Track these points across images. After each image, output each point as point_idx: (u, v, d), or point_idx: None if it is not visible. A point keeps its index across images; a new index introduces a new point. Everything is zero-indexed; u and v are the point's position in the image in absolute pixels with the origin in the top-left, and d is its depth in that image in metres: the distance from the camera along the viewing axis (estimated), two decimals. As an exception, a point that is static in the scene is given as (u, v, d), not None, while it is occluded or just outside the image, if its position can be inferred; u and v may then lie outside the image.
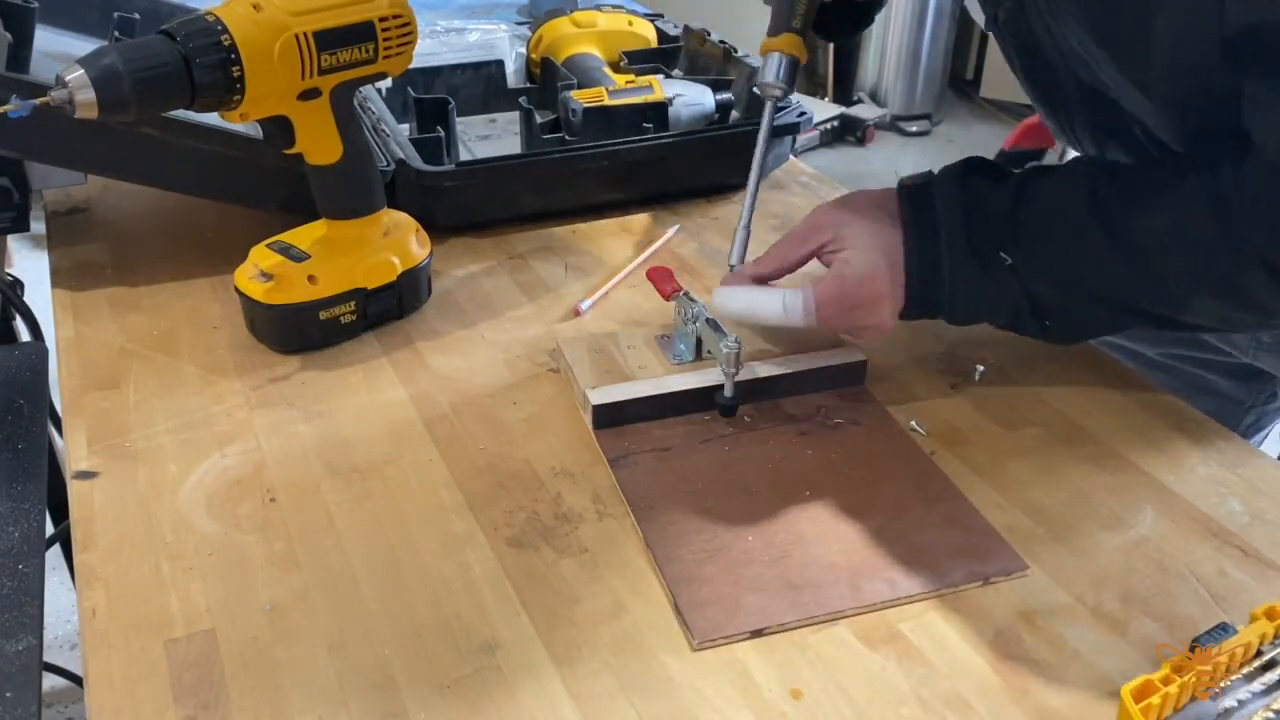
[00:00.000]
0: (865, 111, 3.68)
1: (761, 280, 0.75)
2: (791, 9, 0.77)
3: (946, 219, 0.71)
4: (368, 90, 1.06)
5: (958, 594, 0.61)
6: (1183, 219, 0.64)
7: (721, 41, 1.18)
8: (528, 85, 1.20)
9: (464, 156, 1.06)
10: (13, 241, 1.41)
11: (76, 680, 1.30)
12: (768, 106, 0.77)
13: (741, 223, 0.77)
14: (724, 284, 0.75)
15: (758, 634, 0.58)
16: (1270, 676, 0.53)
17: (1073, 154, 0.83)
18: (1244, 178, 0.61)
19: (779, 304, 0.72)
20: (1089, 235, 0.67)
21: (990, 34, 0.81)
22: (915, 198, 0.72)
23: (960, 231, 0.70)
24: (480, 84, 1.18)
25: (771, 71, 0.76)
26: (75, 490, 0.67)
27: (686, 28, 1.23)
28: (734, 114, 1.09)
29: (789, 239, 0.75)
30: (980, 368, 0.79)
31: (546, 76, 1.16)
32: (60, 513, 1.03)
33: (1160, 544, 0.64)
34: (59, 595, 1.64)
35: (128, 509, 0.65)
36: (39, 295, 0.96)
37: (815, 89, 3.77)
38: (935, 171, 0.73)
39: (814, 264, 0.75)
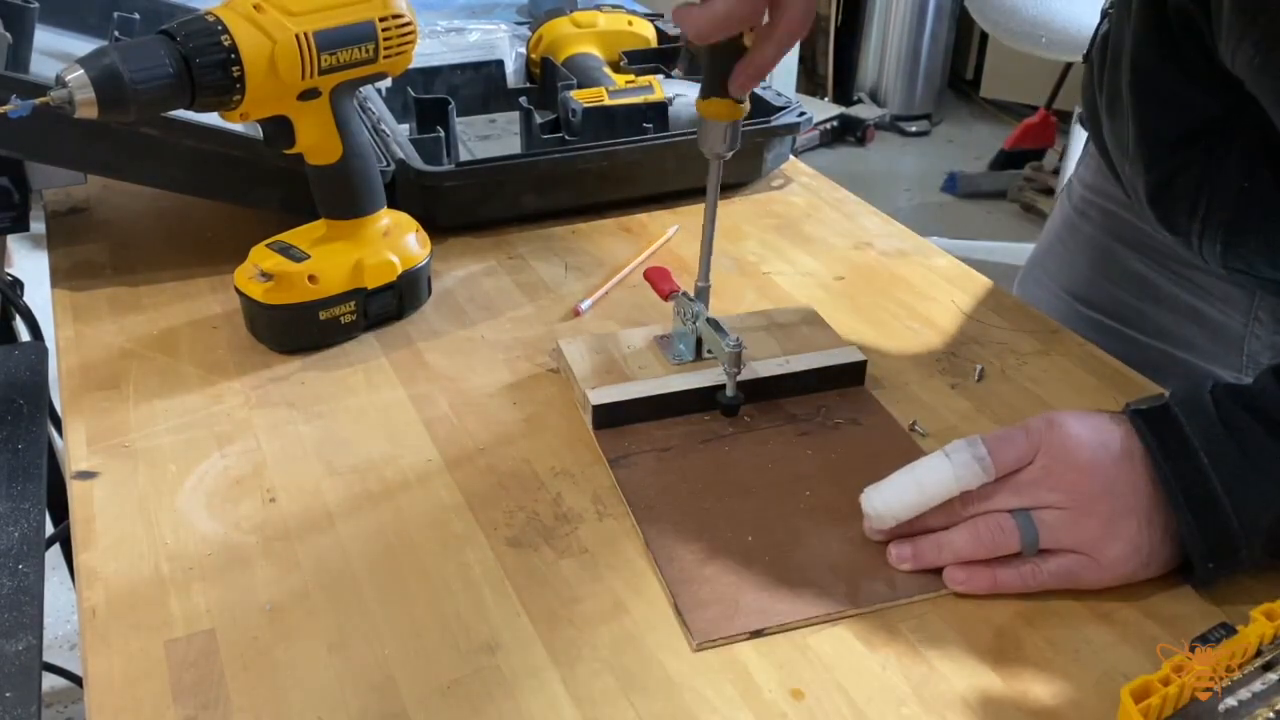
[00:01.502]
0: (865, 111, 3.68)
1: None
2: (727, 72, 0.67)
3: (1201, 428, 0.58)
4: (368, 90, 1.06)
5: (957, 594, 0.61)
6: None
7: (721, 41, 1.17)
8: (528, 85, 1.20)
9: (464, 156, 1.06)
10: (13, 241, 1.42)
11: (76, 680, 1.30)
12: (714, 167, 0.71)
13: (702, 279, 0.73)
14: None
15: (758, 634, 0.58)
16: (1270, 676, 0.53)
17: (1073, 153, 0.81)
18: None
19: (942, 465, 0.61)
20: None
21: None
22: (1164, 437, 0.59)
23: (1225, 440, 0.57)
24: (480, 84, 1.18)
25: (719, 140, 0.69)
26: (75, 490, 0.67)
27: (686, 28, 1.23)
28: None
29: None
30: (979, 366, 0.79)
31: (546, 76, 1.16)
32: (60, 513, 1.03)
33: (1160, 544, 0.64)
34: (59, 595, 1.64)
35: (128, 509, 0.65)
36: (39, 295, 0.96)
37: (815, 89, 3.77)
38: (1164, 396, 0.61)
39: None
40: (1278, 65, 0.59)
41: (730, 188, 1.06)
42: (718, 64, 0.67)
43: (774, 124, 1.03)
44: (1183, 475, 0.58)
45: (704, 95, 0.69)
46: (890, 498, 0.62)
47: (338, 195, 0.80)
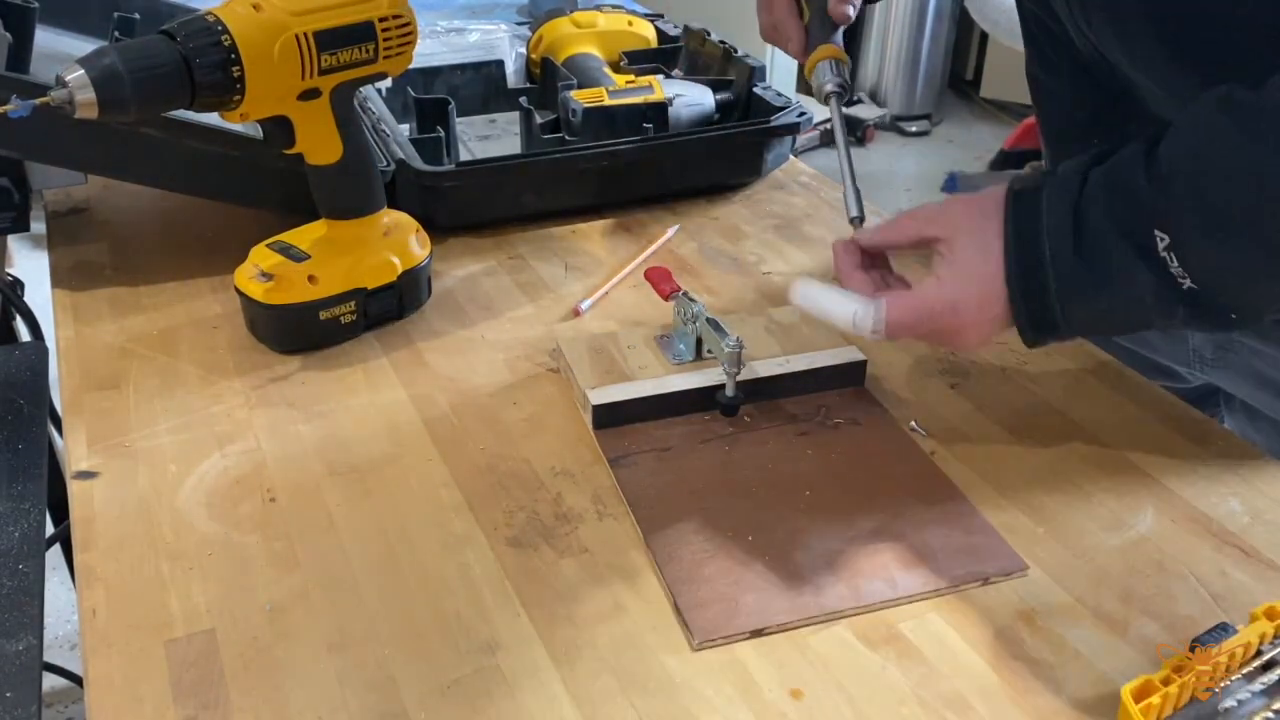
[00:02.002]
0: (865, 111, 3.68)
1: (870, 251, 0.70)
2: (821, 25, 0.80)
3: (1052, 224, 0.62)
4: (368, 90, 1.06)
5: (958, 594, 0.61)
6: None
7: (721, 41, 1.18)
8: (528, 85, 1.20)
9: (464, 156, 1.06)
10: (13, 241, 1.41)
11: (76, 680, 1.30)
12: (833, 103, 0.79)
13: (847, 181, 0.76)
14: (831, 274, 0.70)
15: (758, 634, 0.58)
16: (1270, 676, 0.53)
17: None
18: None
19: (849, 315, 0.67)
20: (1246, 155, 0.56)
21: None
22: (1023, 207, 0.64)
23: (1068, 239, 0.61)
24: (480, 84, 1.18)
25: (827, 74, 0.79)
26: (75, 490, 0.67)
27: (686, 28, 1.23)
28: (734, 114, 1.09)
29: (910, 220, 0.69)
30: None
31: (546, 76, 1.16)
32: (60, 513, 1.03)
33: (1160, 544, 0.64)
34: (59, 595, 1.64)
35: (128, 509, 0.65)
36: (39, 295, 0.96)
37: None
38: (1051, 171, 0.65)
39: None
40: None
41: (730, 188, 1.06)
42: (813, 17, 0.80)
43: (774, 124, 1.03)
44: (1024, 263, 0.63)
45: (812, 47, 0.80)
46: (806, 297, 0.68)
47: (338, 195, 0.80)
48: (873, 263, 0.71)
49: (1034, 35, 0.80)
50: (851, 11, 0.80)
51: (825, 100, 0.80)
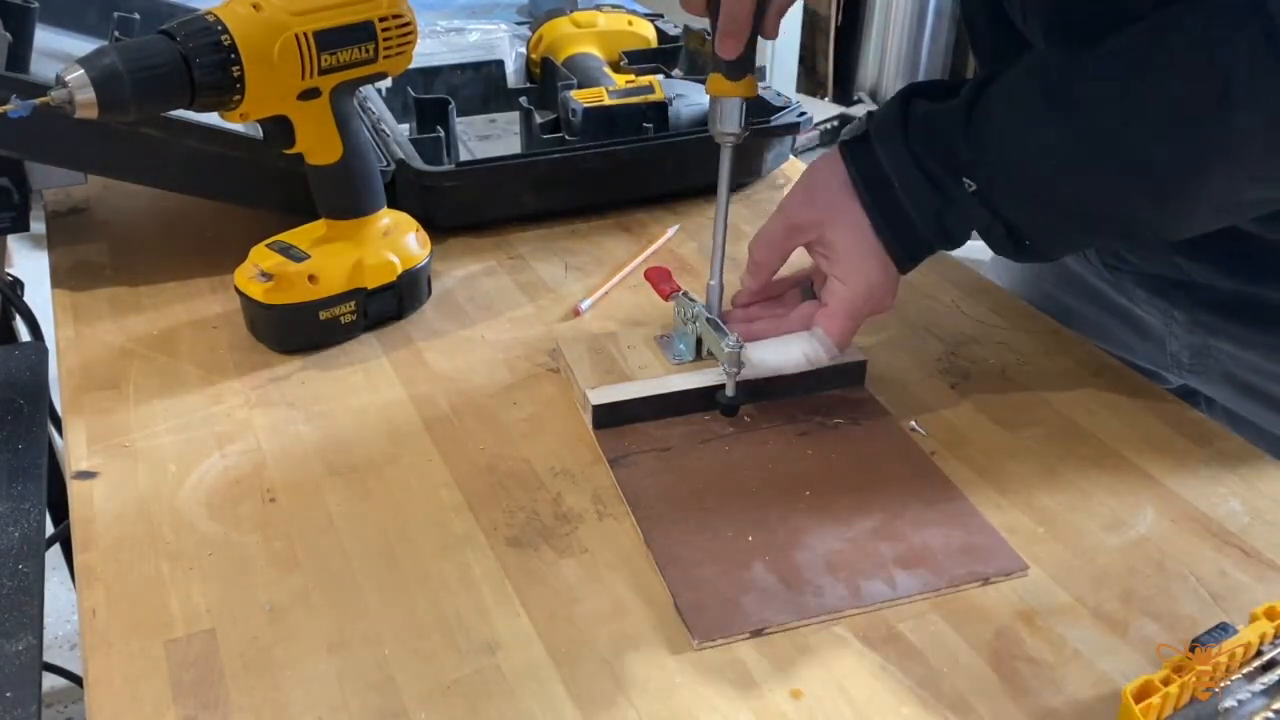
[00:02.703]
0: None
1: (757, 293, 0.77)
2: (749, 52, 0.69)
3: (894, 167, 0.69)
4: (368, 90, 1.06)
5: (958, 594, 0.61)
6: (1172, 81, 0.57)
7: (721, 41, 1.17)
8: (528, 85, 1.20)
9: (464, 156, 1.06)
10: (13, 241, 1.42)
11: (76, 680, 1.30)
12: (727, 153, 0.72)
13: (713, 278, 0.74)
14: (742, 339, 0.72)
15: (758, 634, 0.58)
16: (1270, 676, 0.53)
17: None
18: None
19: (801, 358, 0.72)
20: (1047, 129, 0.62)
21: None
22: (859, 156, 0.71)
23: (913, 175, 0.68)
24: (480, 84, 1.18)
25: (732, 120, 0.70)
26: (75, 490, 0.67)
27: (686, 28, 1.23)
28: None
29: (767, 242, 0.74)
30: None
31: (546, 76, 1.16)
32: (60, 513, 1.03)
33: (1160, 544, 0.64)
34: (59, 595, 1.64)
35: (128, 509, 0.65)
36: (39, 295, 0.96)
37: (815, 89, 3.76)
38: (873, 115, 0.72)
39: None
40: None
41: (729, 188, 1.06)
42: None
43: (774, 124, 1.03)
44: (877, 198, 0.70)
45: (714, 72, 0.70)
46: (763, 360, 0.72)
47: (338, 195, 0.80)
48: (775, 290, 0.78)
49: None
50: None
51: (719, 143, 0.71)
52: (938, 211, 0.69)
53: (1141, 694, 0.51)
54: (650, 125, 1.01)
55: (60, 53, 1.00)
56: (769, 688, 0.55)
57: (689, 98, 1.05)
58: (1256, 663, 0.53)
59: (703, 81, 1.09)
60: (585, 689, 0.55)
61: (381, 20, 0.75)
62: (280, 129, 0.75)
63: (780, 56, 2.83)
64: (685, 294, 0.77)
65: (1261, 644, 0.54)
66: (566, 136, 1.01)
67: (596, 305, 0.87)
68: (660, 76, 1.09)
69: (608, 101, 1.01)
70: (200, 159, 0.87)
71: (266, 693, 0.54)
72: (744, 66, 0.69)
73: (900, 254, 0.71)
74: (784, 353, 0.72)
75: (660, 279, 0.81)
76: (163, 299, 0.86)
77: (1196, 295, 0.80)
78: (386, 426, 0.73)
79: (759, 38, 0.69)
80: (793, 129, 1.04)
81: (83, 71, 0.64)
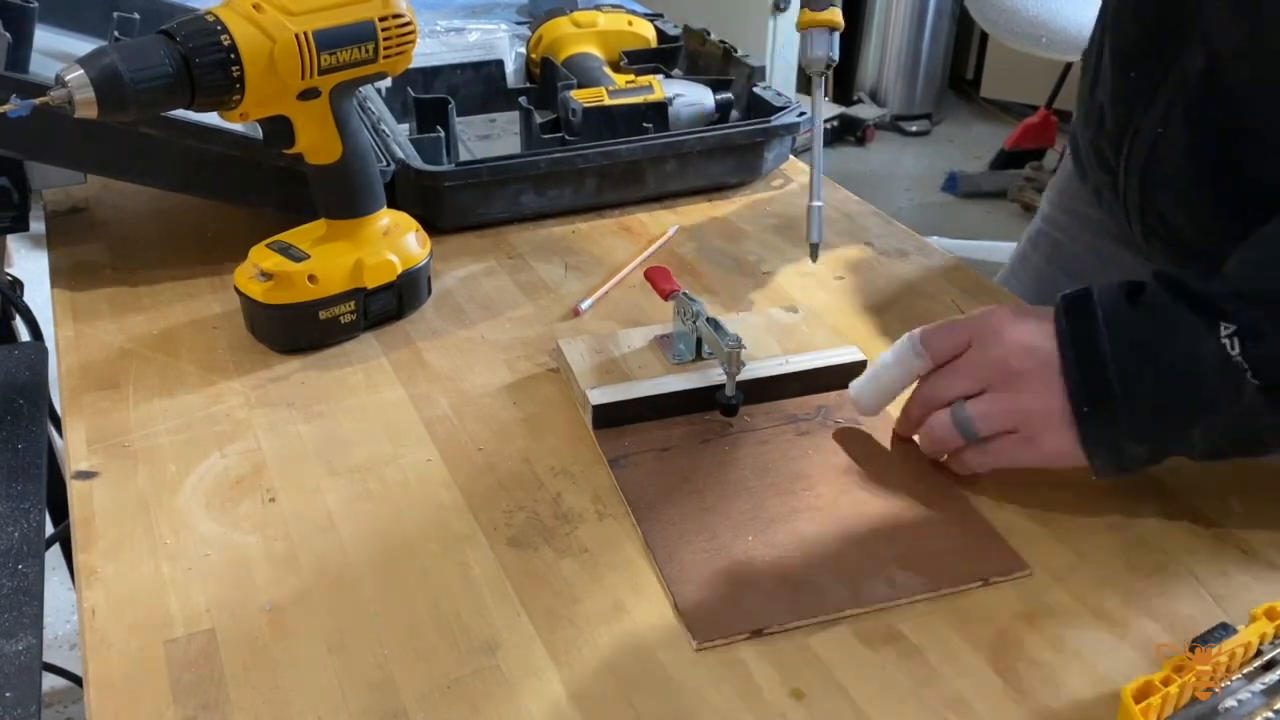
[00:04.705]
0: (865, 111, 3.68)
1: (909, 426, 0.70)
2: None
3: (1104, 299, 0.62)
4: (368, 90, 1.06)
5: (958, 594, 0.61)
6: None
7: (721, 41, 1.18)
8: (528, 85, 1.20)
9: (464, 156, 1.06)
10: (13, 241, 1.42)
11: (76, 680, 1.30)
12: (817, 82, 0.76)
13: (815, 199, 0.76)
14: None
15: (758, 634, 0.58)
16: (1270, 676, 0.53)
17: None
18: None
19: (889, 355, 0.69)
20: None
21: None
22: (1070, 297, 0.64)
23: (1123, 304, 0.61)
24: (480, 84, 1.18)
25: (822, 46, 0.76)
26: (75, 490, 0.67)
27: (686, 28, 1.23)
28: (734, 114, 1.09)
29: (952, 333, 0.67)
30: None
31: (546, 76, 1.16)
32: (60, 513, 1.03)
33: (1160, 544, 0.64)
34: (59, 595, 1.64)
35: (128, 509, 0.65)
36: (39, 295, 0.96)
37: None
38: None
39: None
40: None
41: (730, 188, 1.06)
42: None
43: (774, 124, 1.03)
44: (1084, 362, 0.61)
45: (811, 8, 0.77)
46: (858, 385, 0.70)
47: (338, 195, 0.80)
48: None
49: None
50: None
51: (812, 76, 0.76)
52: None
53: (1141, 694, 0.51)
54: (650, 125, 1.01)
55: (60, 53, 1.00)
56: (769, 688, 0.55)
57: (689, 97, 1.06)
58: (1256, 663, 0.53)
59: (703, 81, 1.10)
60: (585, 689, 0.55)
61: (381, 20, 0.75)
62: (280, 129, 0.75)
63: (780, 57, 2.83)
64: (685, 294, 0.77)
65: (1261, 644, 0.54)
66: (566, 136, 1.01)
67: (596, 305, 0.87)
68: (660, 76, 1.09)
69: (608, 101, 1.01)
70: (200, 159, 0.87)
71: (266, 693, 0.54)
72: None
73: (1078, 383, 0.61)
74: (876, 369, 0.70)
75: (660, 279, 0.81)
76: (163, 299, 0.86)
77: None
78: (386, 426, 0.73)
79: None
80: (793, 129, 1.04)
81: (83, 71, 0.64)
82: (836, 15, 0.76)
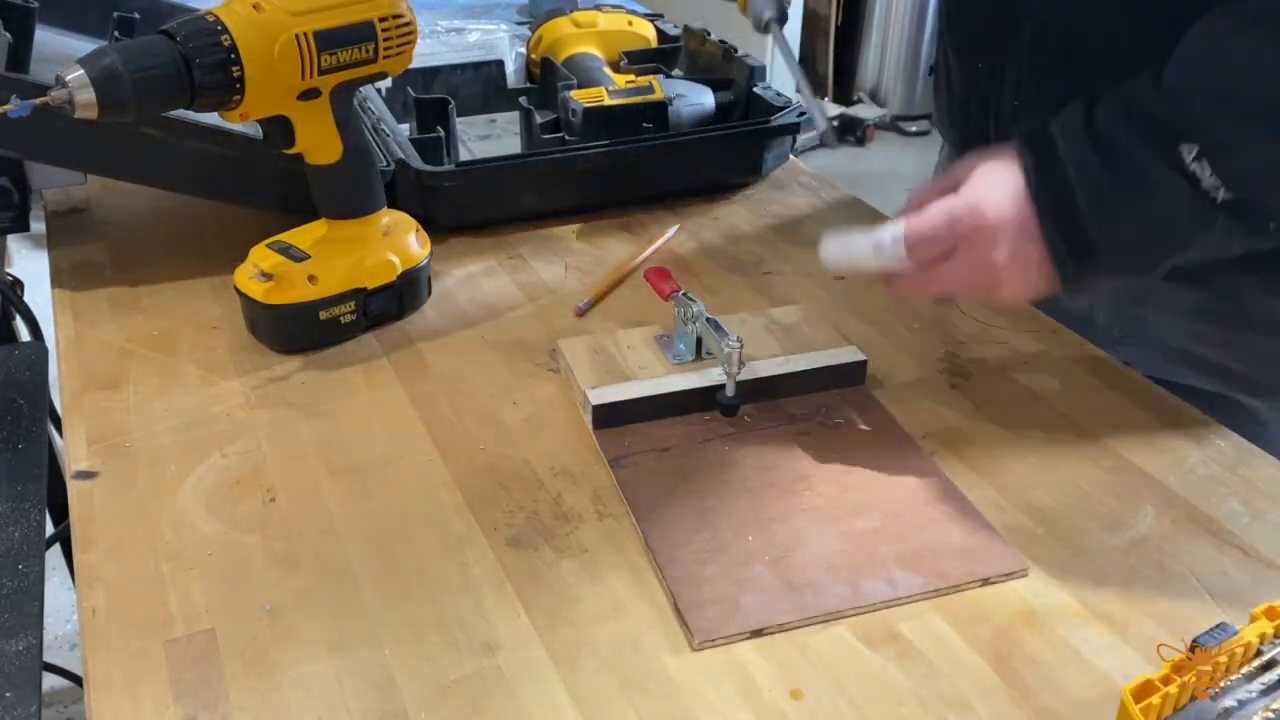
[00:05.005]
0: (865, 111, 3.68)
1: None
2: None
3: (1063, 127, 0.62)
4: (368, 90, 1.06)
5: (958, 594, 0.61)
6: None
7: (721, 41, 1.18)
8: (528, 85, 1.20)
9: (464, 156, 1.06)
10: (13, 241, 1.41)
11: (76, 680, 1.30)
12: (776, 33, 0.76)
13: (807, 96, 0.77)
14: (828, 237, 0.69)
15: (758, 634, 0.58)
16: (1270, 676, 0.53)
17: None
18: None
19: (870, 246, 0.65)
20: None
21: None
22: (1035, 139, 0.64)
23: (1082, 138, 0.61)
24: (480, 84, 1.18)
25: (767, 4, 0.76)
26: (75, 490, 0.67)
27: (686, 28, 1.23)
28: (734, 114, 1.09)
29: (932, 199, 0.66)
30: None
31: (546, 76, 1.16)
32: (60, 513, 1.03)
33: (1160, 544, 0.64)
34: (59, 595, 1.64)
35: (128, 509, 0.65)
36: (39, 295, 0.96)
37: (815, 89, 3.76)
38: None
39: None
40: None
41: (730, 188, 1.06)
42: None
43: (774, 124, 1.03)
44: (1049, 186, 0.62)
45: None
46: (831, 249, 0.68)
47: (338, 195, 0.80)
48: None
49: None
50: None
51: (764, 29, 0.75)
52: (1119, 185, 0.61)
53: (1141, 694, 0.51)
54: (650, 125, 1.01)
55: (60, 53, 1.00)
56: (769, 688, 0.55)
57: (689, 98, 1.06)
58: (1256, 663, 0.53)
59: (703, 81, 1.10)
60: (585, 689, 0.55)
61: (381, 20, 0.75)
62: (280, 129, 0.75)
63: (780, 57, 2.83)
64: (685, 294, 0.77)
65: (1261, 644, 0.54)
66: (566, 136, 1.01)
67: (596, 305, 0.87)
68: (660, 76, 1.09)
69: (608, 101, 1.01)
70: (200, 159, 0.87)
71: (266, 693, 0.54)
72: None
73: (1058, 239, 0.62)
74: (858, 241, 0.66)
75: (660, 279, 0.81)
76: (163, 299, 0.86)
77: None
78: (386, 426, 0.73)
79: None
80: (793, 129, 1.04)
81: (83, 71, 0.64)
82: None
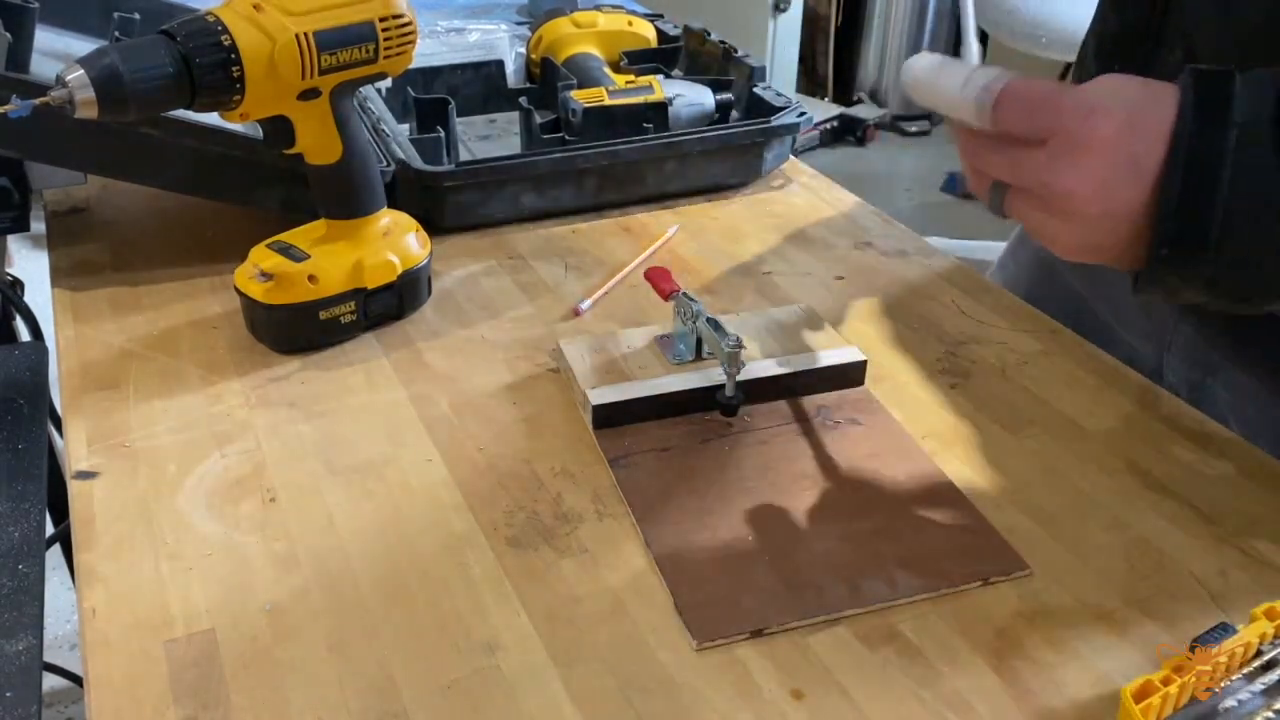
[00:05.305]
0: (865, 111, 3.68)
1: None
2: None
3: (1252, 94, 0.50)
4: (368, 90, 1.06)
5: (958, 594, 0.61)
6: None
7: (721, 41, 1.18)
8: (528, 85, 1.20)
9: (464, 156, 1.06)
10: (13, 241, 1.41)
11: (76, 680, 1.30)
12: None
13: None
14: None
15: (758, 634, 0.58)
16: (1270, 676, 0.53)
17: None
18: None
19: (961, 79, 0.55)
20: None
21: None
22: (1206, 81, 0.52)
23: (1268, 136, 0.50)
24: (480, 84, 1.18)
25: None
26: (75, 490, 0.67)
27: (686, 28, 1.23)
28: (734, 114, 1.09)
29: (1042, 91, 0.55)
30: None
31: (546, 76, 1.15)
32: (60, 513, 1.03)
33: (1160, 544, 0.64)
34: (59, 595, 1.64)
35: (128, 509, 0.65)
36: (39, 295, 0.96)
37: (815, 89, 3.77)
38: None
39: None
40: None
41: (730, 188, 1.06)
42: None
43: (774, 124, 1.03)
44: (1200, 145, 0.50)
45: None
46: (921, 63, 0.58)
47: (338, 195, 0.80)
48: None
49: None
50: None
51: None
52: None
53: (1141, 694, 0.51)
54: (650, 125, 1.01)
55: (60, 53, 1.00)
56: (769, 688, 0.55)
57: (689, 97, 1.06)
58: (1256, 663, 0.53)
59: (703, 81, 1.10)
60: (585, 689, 0.55)
61: (381, 20, 0.75)
62: (280, 129, 0.75)
63: (780, 57, 2.83)
64: (685, 294, 0.77)
65: (1261, 644, 0.54)
66: (566, 136, 1.01)
67: (596, 305, 0.87)
68: (660, 76, 1.09)
69: (608, 101, 1.01)
70: (200, 159, 0.87)
71: (266, 693, 0.54)
72: None
73: (1172, 209, 0.51)
74: (946, 70, 0.57)
75: (660, 279, 0.81)
76: (163, 299, 0.86)
77: (1195, 331, 0.79)
78: (386, 426, 0.73)
79: None
80: (793, 129, 1.04)
81: (83, 71, 0.64)
82: None
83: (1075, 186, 0.52)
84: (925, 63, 0.59)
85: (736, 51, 1.15)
